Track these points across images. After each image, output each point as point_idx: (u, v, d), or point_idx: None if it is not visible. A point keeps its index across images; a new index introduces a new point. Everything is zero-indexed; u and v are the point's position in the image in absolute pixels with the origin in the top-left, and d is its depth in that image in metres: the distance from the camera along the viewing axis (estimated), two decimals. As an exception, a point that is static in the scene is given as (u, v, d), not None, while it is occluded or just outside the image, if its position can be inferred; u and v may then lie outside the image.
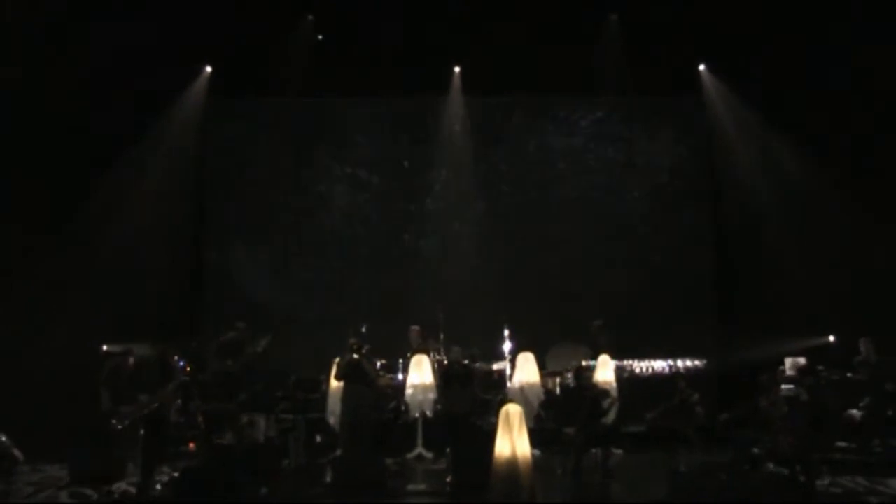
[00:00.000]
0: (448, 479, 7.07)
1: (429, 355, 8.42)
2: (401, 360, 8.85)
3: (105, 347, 8.27)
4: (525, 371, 8.16)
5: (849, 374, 7.99)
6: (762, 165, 9.93)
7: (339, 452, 7.52)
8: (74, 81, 8.80)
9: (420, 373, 8.03)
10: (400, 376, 8.73)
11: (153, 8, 8.82)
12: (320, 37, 9.68)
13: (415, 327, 9.00)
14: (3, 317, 8.18)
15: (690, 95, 10.26)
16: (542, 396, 8.33)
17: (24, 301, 8.37)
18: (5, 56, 8.36)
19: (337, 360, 7.47)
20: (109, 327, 8.59)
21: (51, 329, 8.40)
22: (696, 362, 9.07)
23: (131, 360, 7.62)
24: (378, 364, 8.22)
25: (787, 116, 9.61)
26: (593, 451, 7.50)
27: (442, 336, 9.08)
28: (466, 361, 8.26)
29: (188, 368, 7.73)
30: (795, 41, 9.11)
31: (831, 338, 8.86)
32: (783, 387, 7.61)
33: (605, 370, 8.33)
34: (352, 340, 7.50)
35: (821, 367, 8.10)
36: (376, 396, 7.82)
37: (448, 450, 7.52)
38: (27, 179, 8.72)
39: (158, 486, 6.73)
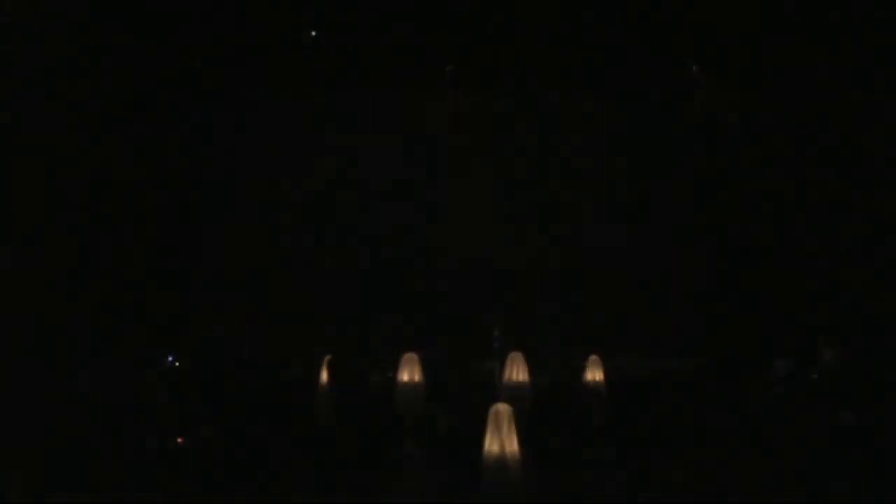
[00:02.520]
0: (437, 478, 7.11)
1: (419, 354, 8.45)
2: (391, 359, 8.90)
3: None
4: (515, 370, 8.15)
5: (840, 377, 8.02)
6: (759, 167, 9.97)
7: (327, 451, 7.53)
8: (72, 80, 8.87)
9: (410, 371, 8.04)
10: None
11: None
12: (314, 32, 9.70)
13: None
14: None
15: (689, 93, 10.29)
16: (533, 395, 8.33)
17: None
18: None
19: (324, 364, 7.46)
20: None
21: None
22: (687, 363, 9.10)
23: None
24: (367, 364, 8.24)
25: (784, 115, 9.63)
26: (585, 450, 7.54)
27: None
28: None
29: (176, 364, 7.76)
30: (790, 41, 9.15)
31: (821, 340, 8.89)
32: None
33: (595, 369, 8.35)
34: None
35: (811, 369, 8.14)
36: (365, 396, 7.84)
37: (437, 449, 7.57)
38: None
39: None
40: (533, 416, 8.27)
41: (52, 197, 8.64)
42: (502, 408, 6.11)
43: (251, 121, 10.29)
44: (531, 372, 8.55)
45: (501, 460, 5.95)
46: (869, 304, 8.52)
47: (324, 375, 7.57)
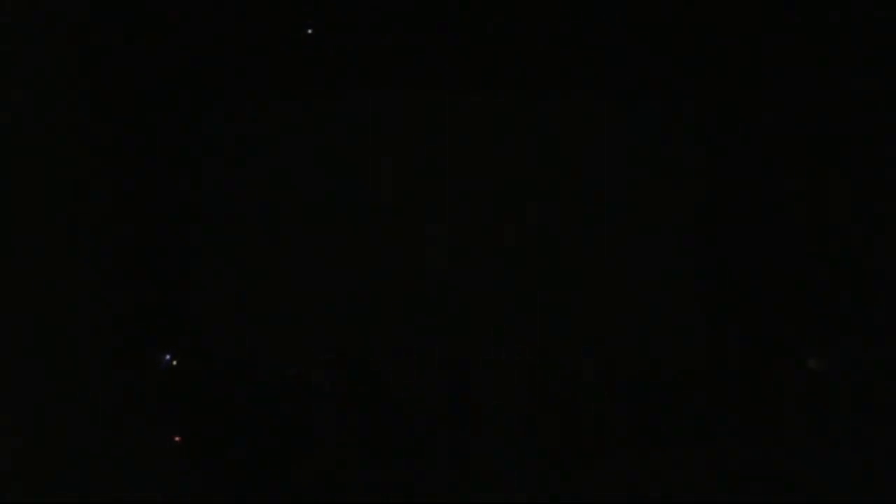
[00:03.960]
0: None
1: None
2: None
3: None
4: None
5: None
6: (761, 167, 9.95)
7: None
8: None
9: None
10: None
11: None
12: (310, 30, 9.70)
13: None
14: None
15: (690, 95, 10.27)
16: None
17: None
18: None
19: None
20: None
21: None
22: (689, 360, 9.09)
23: None
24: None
25: (785, 111, 9.61)
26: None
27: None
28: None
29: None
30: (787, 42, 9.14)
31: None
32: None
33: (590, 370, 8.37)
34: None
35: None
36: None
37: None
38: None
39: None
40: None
41: (51, 195, 8.67)
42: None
43: (252, 120, 10.31)
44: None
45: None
46: (867, 306, 8.51)
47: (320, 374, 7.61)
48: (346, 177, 10.94)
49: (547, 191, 10.96)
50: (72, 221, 8.98)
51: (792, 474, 7.09)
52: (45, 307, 8.38)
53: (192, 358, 8.23)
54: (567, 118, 10.92)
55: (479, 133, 10.96)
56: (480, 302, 9.86)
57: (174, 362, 7.82)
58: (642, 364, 9.26)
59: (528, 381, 8.53)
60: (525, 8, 9.38)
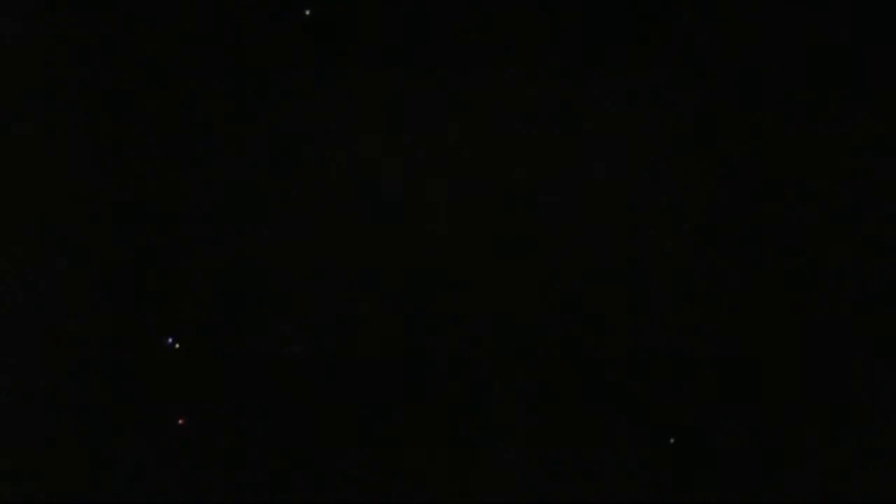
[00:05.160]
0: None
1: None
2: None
3: None
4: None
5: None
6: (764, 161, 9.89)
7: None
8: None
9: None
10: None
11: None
12: (308, 11, 9.56)
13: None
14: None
15: (696, 81, 10.19)
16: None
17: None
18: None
19: None
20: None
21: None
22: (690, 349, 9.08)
23: None
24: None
25: (785, 102, 9.55)
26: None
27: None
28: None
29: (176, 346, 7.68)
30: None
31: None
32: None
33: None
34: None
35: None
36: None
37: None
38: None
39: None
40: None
41: (51, 186, 8.56)
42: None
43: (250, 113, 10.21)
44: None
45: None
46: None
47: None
48: (348, 165, 10.79)
49: (546, 178, 10.85)
50: (70, 209, 8.89)
51: (791, 472, 7.04)
52: (44, 297, 8.29)
53: (194, 341, 8.16)
54: (567, 105, 10.81)
55: (472, 116, 10.83)
56: (481, 297, 9.81)
57: (176, 345, 7.71)
58: (644, 359, 9.24)
59: (531, 375, 8.47)
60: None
